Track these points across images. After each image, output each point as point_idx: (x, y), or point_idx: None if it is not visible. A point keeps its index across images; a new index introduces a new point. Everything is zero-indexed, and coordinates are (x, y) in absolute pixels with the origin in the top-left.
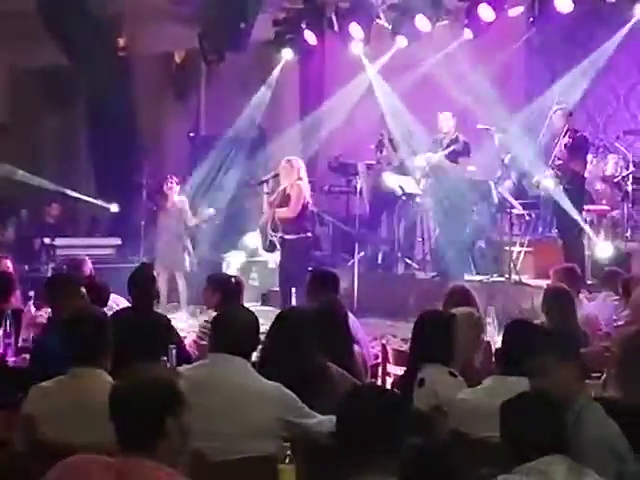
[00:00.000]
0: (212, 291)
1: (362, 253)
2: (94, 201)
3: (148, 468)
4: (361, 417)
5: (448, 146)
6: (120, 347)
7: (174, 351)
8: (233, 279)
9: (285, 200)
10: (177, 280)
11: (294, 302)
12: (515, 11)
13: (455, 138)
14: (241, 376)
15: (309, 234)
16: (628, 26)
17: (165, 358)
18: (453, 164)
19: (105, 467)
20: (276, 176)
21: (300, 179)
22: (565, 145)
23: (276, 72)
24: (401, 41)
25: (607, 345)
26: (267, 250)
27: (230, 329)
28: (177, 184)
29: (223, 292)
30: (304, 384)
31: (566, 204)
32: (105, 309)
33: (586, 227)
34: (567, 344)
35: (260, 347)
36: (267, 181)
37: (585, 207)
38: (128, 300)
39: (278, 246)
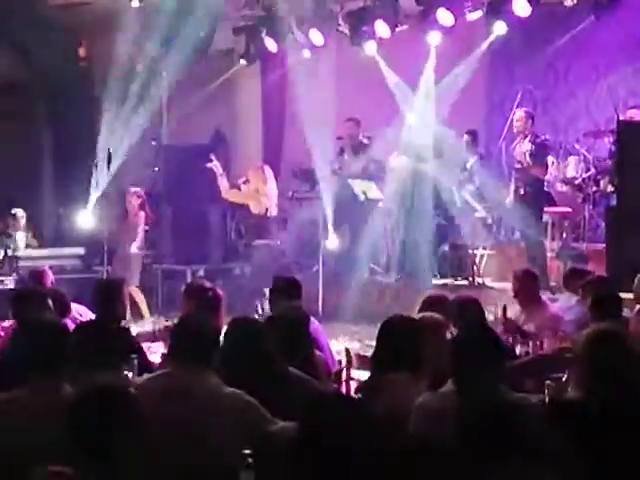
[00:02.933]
0: (186, 299)
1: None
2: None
3: None
4: (324, 425)
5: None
6: (81, 357)
7: (135, 361)
8: (210, 291)
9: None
10: (133, 295)
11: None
12: (474, 15)
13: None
14: (202, 385)
15: (279, 242)
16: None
17: (126, 368)
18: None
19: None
20: (246, 182)
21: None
22: (526, 151)
23: (236, 77)
24: (370, 48)
25: (569, 346)
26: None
27: (188, 338)
28: (139, 197)
29: (197, 301)
30: (264, 390)
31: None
32: (68, 319)
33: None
34: None
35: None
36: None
37: (546, 209)
38: (92, 310)
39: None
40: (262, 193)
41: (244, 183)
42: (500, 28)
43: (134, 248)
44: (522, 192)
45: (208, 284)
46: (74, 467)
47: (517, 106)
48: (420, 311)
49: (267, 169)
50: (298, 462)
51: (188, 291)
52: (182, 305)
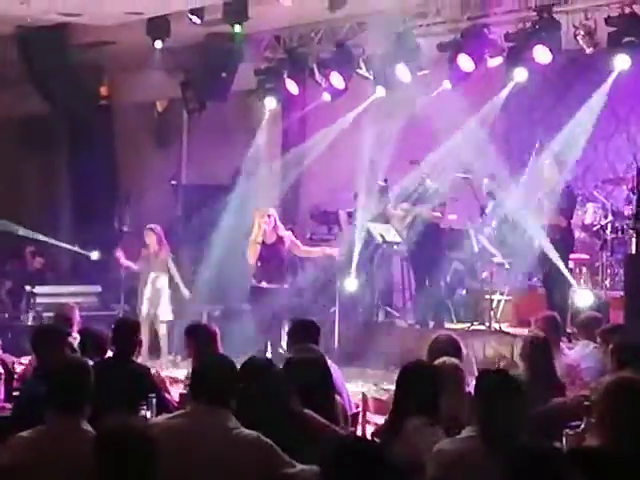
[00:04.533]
0: (187, 340)
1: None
2: (74, 249)
3: None
4: (347, 470)
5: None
6: (100, 396)
7: (154, 400)
8: (206, 328)
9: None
10: (157, 330)
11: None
12: (494, 62)
13: (429, 188)
14: (220, 426)
15: (286, 285)
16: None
17: (145, 407)
18: (435, 213)
19: None
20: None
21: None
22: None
23: (256, 119)
24: (379, 91)
25: (586, 394)
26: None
27: (208, 378)
28: (158, 234)
29: (196, 341)
30: (282, 433)
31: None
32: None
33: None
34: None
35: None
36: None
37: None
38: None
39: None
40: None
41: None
42: (520, 75)
43: (164, 282)
44: (551, 239)
45: (203, 322)
46: None
47: (536, 152)
48: (430, 351)
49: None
50: None
51: (187, 332)
52: (185, 345)
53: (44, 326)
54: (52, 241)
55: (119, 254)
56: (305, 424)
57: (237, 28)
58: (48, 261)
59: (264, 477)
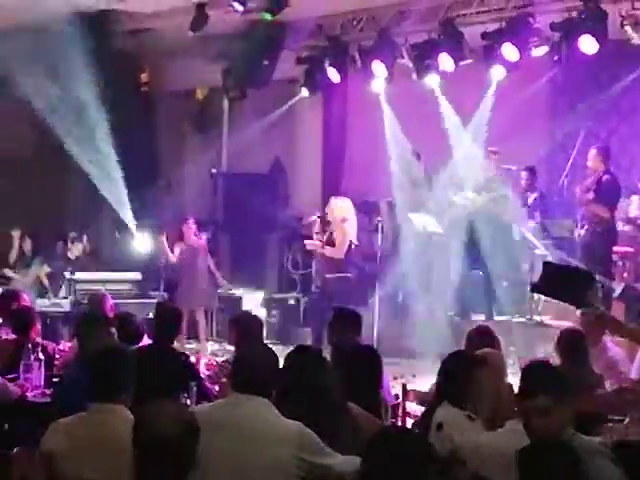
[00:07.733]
0: (230, 328)
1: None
2: (115, 236)
3: None
4: (390, 461)
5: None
6: (140, 384)
7: (194, 388)
8: (250, 317)
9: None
10: (197, 316)
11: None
12: (539, 51)
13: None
14: (261, 416)
15: (349, 274)
16: None
17: (185, 395)
18: (499, 207)
19: None
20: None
21: (344, 220)
22: (588, 188)
23: (297, 107)
24: (431, 80)
25: (629, 387)
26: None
27: (250, 368)
28: (194, 224)
29: (240, 330)
30: (325, 423)
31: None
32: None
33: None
34: (563, 386)
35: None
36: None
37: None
38: (148, 335)
39: (298, 284)
40: (349, 222)
41: (323, 220)
42: (564, 65)
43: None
44: (585, 230)
45: (247, 311)
46: None
47: (580, 144)
48: (469, 343)
49: (339, 201)
50: None
51: (231, 320)
52: (229, 334)
53: (88, 313)
54: (93, 227)
55: (163, 239)
56: (348, 416)
57: (267, 16)
58: (88, 247)
59: (305, 468)
